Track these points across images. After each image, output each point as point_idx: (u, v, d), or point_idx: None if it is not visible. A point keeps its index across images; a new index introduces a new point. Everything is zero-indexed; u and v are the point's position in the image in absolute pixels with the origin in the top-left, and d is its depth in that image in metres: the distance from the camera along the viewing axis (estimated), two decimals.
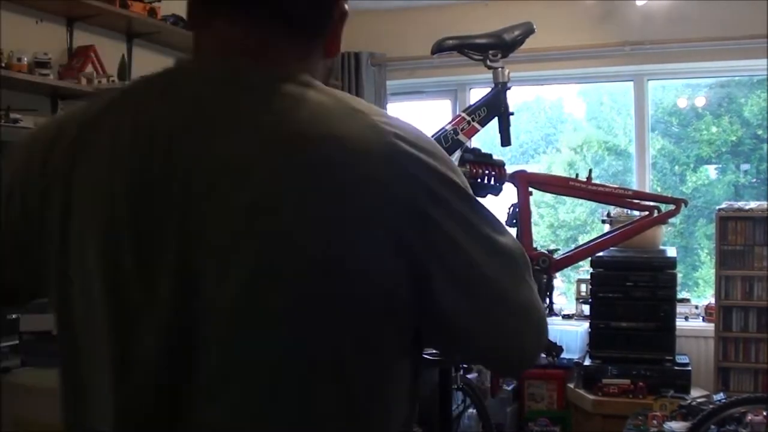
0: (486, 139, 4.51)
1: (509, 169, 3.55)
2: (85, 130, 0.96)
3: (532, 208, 3.76)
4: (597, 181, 3.91)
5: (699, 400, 4.07)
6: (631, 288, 4.81)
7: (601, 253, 4.51)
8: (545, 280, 3.60)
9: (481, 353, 1.05)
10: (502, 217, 3.56)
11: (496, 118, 3.39)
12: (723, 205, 4.92)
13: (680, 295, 5.04)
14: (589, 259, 4.69)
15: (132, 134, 0.92)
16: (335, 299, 0.88)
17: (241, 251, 0.87)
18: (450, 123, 3.30)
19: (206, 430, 0.88)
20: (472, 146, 3.48)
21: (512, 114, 3.43)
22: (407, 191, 0.90)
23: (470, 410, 3.86)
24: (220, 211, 0.88)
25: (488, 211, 0.99)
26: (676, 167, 5.72)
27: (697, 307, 5.29)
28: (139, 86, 1.01)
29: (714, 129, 5.60)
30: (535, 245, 3.69)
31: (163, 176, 0.90)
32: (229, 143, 0.89)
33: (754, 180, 5.55)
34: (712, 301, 4.99)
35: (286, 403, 0.88)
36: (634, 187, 5.25)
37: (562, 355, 4.21)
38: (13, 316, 2.53)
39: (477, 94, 5.25)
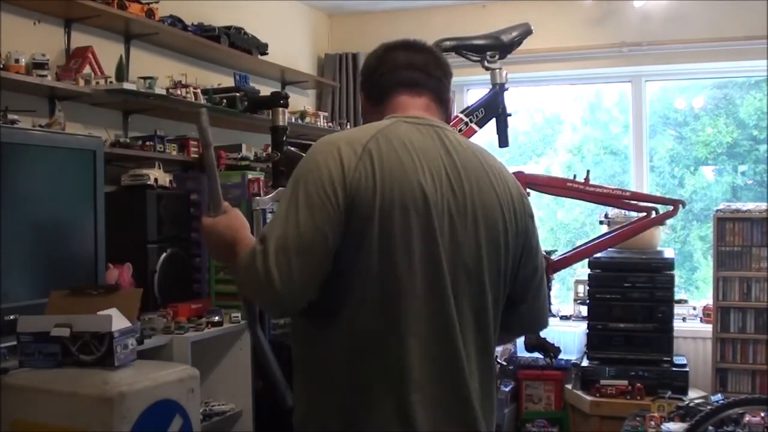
0: (484, 140, 4.51)
1: None
2: (376, 157, 1.55)
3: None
4: (595, 183, 3.92)
5: (697, 401, 4.07)
6: (629, 289, 4.82)
7: (598, 255, 4.51)
8: None
9: None
10: None
11: (494, 119, 3.40)
12: (721, 206, 4.92)
13: (678, 296, 5.03)
14: (587, 260, 4.69)
15: (414, 157, 1.58)
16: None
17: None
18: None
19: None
20: None
21: (510, 115, 3.44)
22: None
23: None
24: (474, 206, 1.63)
25: None
26: (675, 169, 5.72)
27: (694, 308, 5.29)
28: (392, 131, 1.62)
29: (711, 130, 5.60)
30: None
31: (446, 180, 1.60)
32: (465, 161, 1.64)
33: (751, 181, 5.56)
34: (710, 302, 4.99)
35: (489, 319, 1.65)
36: (632, 188, 5.26)
37: (560, 356, 4.21)
38: (11, 317, 2.53)
39: (475, 95, 5.26)
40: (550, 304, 3.90)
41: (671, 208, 3.87)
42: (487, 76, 3.41)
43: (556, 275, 3.90)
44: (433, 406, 1.55)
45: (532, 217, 1.74)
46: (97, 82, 3.45)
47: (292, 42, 5.55)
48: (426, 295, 1.55)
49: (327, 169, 1.54)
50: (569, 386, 4.97)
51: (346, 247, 1.53)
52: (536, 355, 4.09)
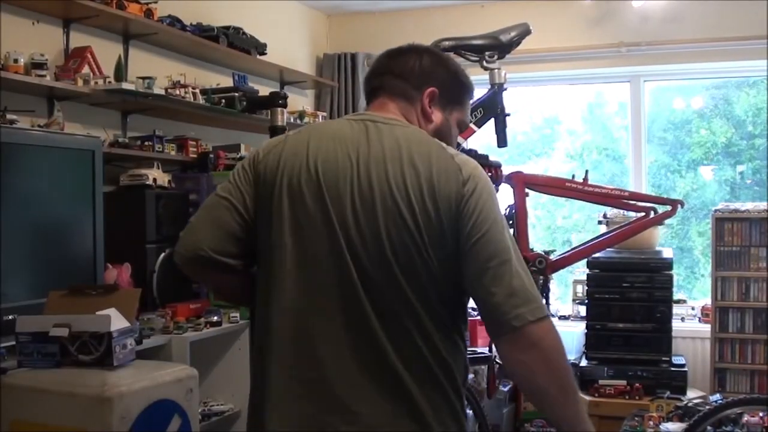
0: (483, 140, 4.51)
1: (506, 170, 3.56)
2: (288, 144, 1.70)
3: (529, 210, 3.77)
4: (593, 183, 3.92)
5: (695, 401, 4.07)
6: (628, 289, 4.82)
7: (597, 254, 4.51)
8: (542, 281, 3.60)
9: None
10: None
11: (493, 119, 3.40)
12: (719, 206, 4.92)
13: (676, 296, 5.03)
14: (586, 260, 4.68)
15: (327, 144, 1.66)
16: None
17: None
18: None
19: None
20: (468, 147, 3.50)
21: (509, 115, 3.44)
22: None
23: (466, 411, 3.86)
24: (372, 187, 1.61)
25: None
26: (672, 170, 5.72)
27: (693, 308, 5.29)
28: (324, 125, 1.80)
29: (710, 130, 5.60)
30: (531, 246, 3.70)
31: (349, 164, 1.62)
32: (380, 148, 1.64)
33: (749, 181, 5.56)
34: (709, 302, 5.00)
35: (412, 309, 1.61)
36: (631, 188, 5.26)
37: None
38: (10, 317, 2.53)
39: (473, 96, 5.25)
40: (548, 304, 3.89)
41: (670, 208, 3.87)
42: (486, 76, 3.41)
43: (554, 275, 3.90)
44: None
45: (471, 200, 1.60)
46: (96, 82, 3.45)
47: (290, 42, 5.55)
48: (330, 278, 1.60)
49: (249, 156, 1.75)
50: None
51: (257, 226, 1.68)
52: None
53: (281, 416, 1.62)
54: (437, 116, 1.79)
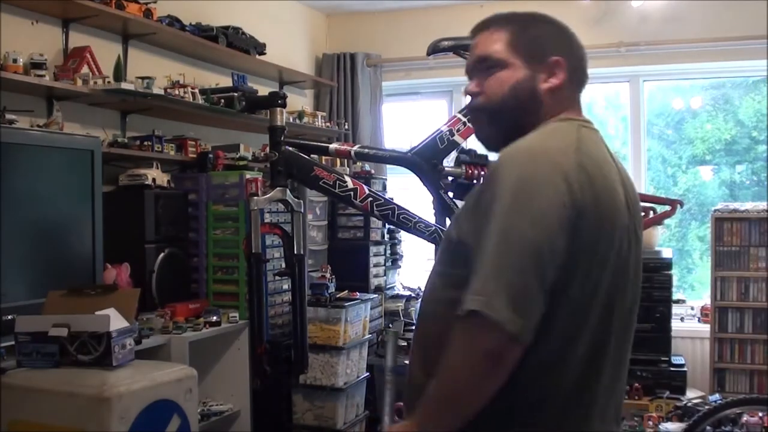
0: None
1: None
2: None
3: None
4: None
5: (695, 401, 4.08)
6: None
7: None
8: None
9: None
10: None
11: None
12: (718, 206, 4.93)
13: (675, 296, 5.03)
14: None
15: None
16: None
17: None
18: (446, 124, 3.30)
19: None
20: (468, 147, 3.49)
21: None
22: None
23: None
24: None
25: None
26: (669, 169, 5.72)
27: (692, 308, 5.30)
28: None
29: (709, 130, 5.60)
30: None
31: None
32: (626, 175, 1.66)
33: (747, 182, 5.56)
34: (708, 302, 5.00)
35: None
36: None
37: None
38: (9, 317, 2.53)
39: None
40: None
41: (669, 208, 3.87)
42: None
43: None
44: None
45: None
46: (95, 82, 3.45)
47: (289, 42, 5.55)
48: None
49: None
50: None
51: None
52: None
53: None
54: None
